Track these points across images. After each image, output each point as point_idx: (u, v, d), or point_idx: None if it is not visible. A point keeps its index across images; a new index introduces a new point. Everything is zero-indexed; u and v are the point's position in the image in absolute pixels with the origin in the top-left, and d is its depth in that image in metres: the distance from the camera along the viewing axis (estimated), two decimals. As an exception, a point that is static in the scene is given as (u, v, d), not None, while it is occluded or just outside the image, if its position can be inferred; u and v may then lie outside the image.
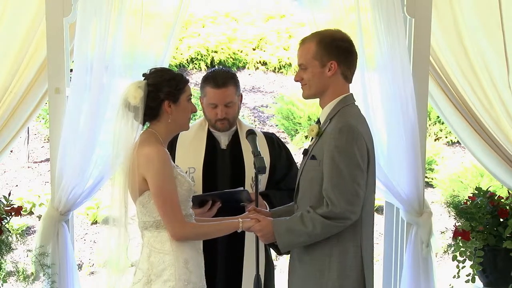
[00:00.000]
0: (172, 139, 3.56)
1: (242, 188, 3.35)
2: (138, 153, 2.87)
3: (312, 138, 3.00)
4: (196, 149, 3.51)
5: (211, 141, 3.52)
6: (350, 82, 3.00)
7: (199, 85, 3.58)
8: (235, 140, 3.52)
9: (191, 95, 3.03)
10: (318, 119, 3.01)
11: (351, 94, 2.99)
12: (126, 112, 2.90)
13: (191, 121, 3.08)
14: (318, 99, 3.00)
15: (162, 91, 2.91)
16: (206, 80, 3.46)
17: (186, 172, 3.44)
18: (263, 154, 3.43)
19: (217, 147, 3.51)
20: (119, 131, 2.92)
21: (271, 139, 3.61)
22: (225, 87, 3.41)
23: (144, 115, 2.91)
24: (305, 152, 3.01)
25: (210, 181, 3.46)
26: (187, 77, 3.23)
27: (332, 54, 2.90)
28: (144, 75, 2.98)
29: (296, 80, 2.99)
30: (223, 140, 3.53)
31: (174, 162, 3.47)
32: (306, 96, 3.01)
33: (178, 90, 2.94)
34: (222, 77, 3.43)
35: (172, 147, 3.53)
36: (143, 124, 2.96)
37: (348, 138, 2.81)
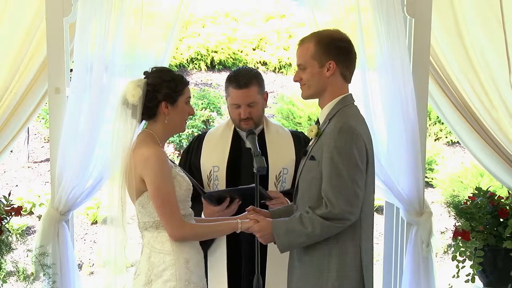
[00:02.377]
0: (200, 138, 3.61)
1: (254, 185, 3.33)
2: (135, 154, 2.87)
3: (311, 139, 3.00)
4: (221, 148, 3.51)
5: (237, 140, 3.53)
6: (349, 82, 2.99)
7: (224, 85, 3.59)
8: (260, 139, 3.50)
9: (190, 97, 3.03)
10: (318, 120, 3.01)
11: (350, 94, 2.99)
12: (124, 109, 2.91)
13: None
14: (317, 99, 3.00)
15: (160, 92, 2.91)
16: (229, 80, 3.47)
17: (210, 171, 3.48)
18: (289, 152, 3.45)
19: (242, 146, 3.49)
20: (118, 129, 2.92)
21: (298, 137, 3.60)
22: (247, 88, 3.42)
23: (142, 114, 2.91)
24: (305, 153, 3.01)
25: (233, 180, 3.45)
26: (187, 77, 3.23)
27: (331, 54, 2.89)
28: (145, 73, 2.98)
29: (295, 80, 2.99)
30: None
31: (200, 161, 3.49)
32: (305, 97, 3.00)
33: (177, 92, 2.94)
34: (244, 77, 3.43)
35: (198, 146, 3.56)
36: (140, 122, 2.96)
37: (347, 138, 2.81)
